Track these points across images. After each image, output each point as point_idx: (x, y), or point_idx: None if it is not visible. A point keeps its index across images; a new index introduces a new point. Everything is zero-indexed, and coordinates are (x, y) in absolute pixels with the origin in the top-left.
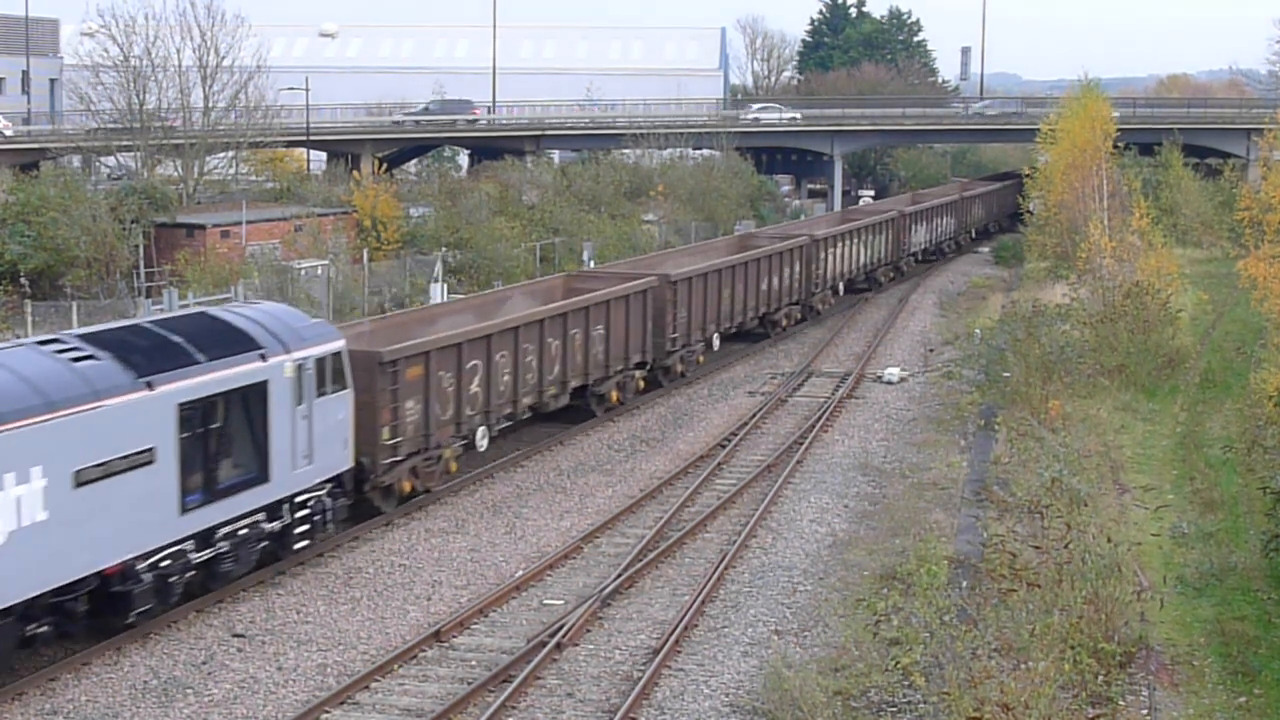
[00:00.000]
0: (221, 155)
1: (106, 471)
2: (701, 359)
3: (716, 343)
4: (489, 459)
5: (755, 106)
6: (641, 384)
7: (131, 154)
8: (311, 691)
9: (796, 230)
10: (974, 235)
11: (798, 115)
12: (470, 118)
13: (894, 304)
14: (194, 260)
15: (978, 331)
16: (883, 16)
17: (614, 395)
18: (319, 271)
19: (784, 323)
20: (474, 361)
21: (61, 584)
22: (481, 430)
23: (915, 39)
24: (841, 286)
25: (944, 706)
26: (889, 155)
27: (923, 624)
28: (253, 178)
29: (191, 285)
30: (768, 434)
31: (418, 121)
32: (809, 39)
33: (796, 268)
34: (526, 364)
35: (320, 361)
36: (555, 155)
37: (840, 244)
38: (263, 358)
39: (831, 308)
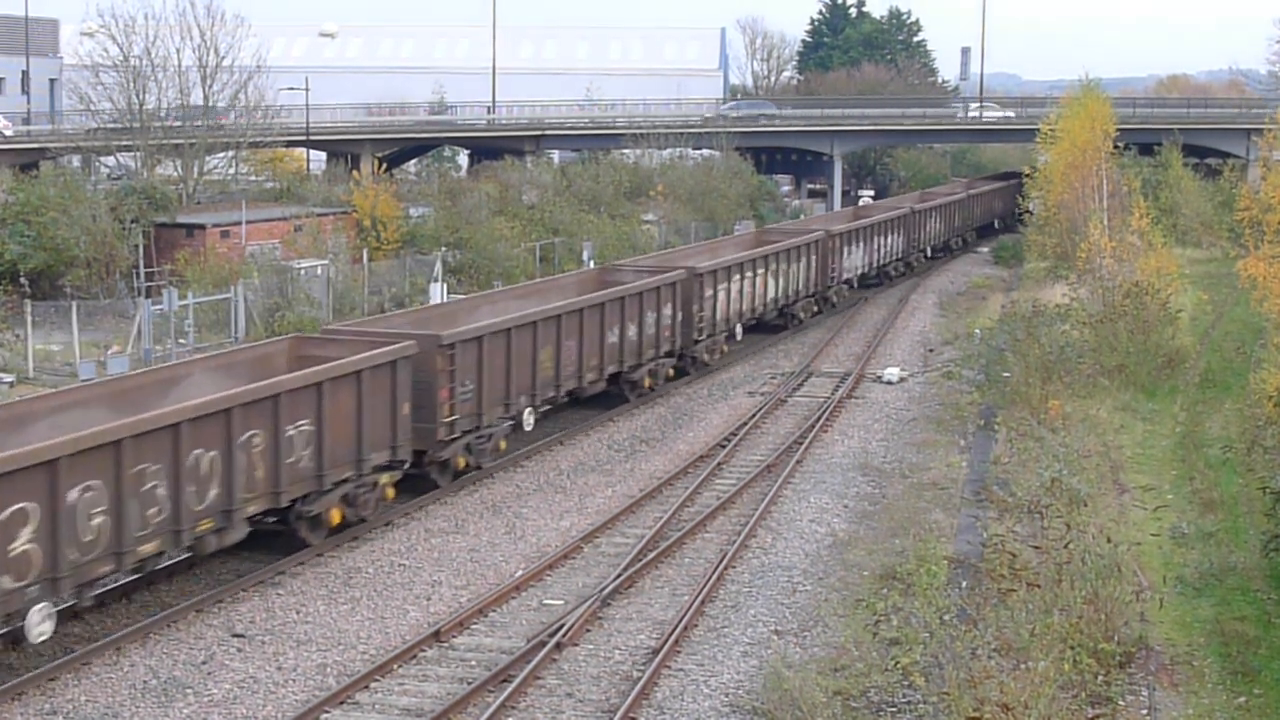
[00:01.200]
0: (221, 155)
1: None
2: (725, 349)
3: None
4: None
5: (974, 105)
6: (671, 372)
7: (131, 154)
8: (311, 691)
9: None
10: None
11: (1011, 114)
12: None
13: (894, 304)
14: (194, 260)
15: (977, 331)
16: (882, 17)
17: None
18: (319, 271)
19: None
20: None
21: None
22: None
23: (915, 39)
24: (855, 281)
25: (944, 706)
26: (889, 155)
27: (922, 624)
28: (252, 178)
29: (191, 285)
30: (767, 434)
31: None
32: (809, 39)
33: (814, 262)
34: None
35: None
36: (555, 155)
37: (856, 239)
38: None
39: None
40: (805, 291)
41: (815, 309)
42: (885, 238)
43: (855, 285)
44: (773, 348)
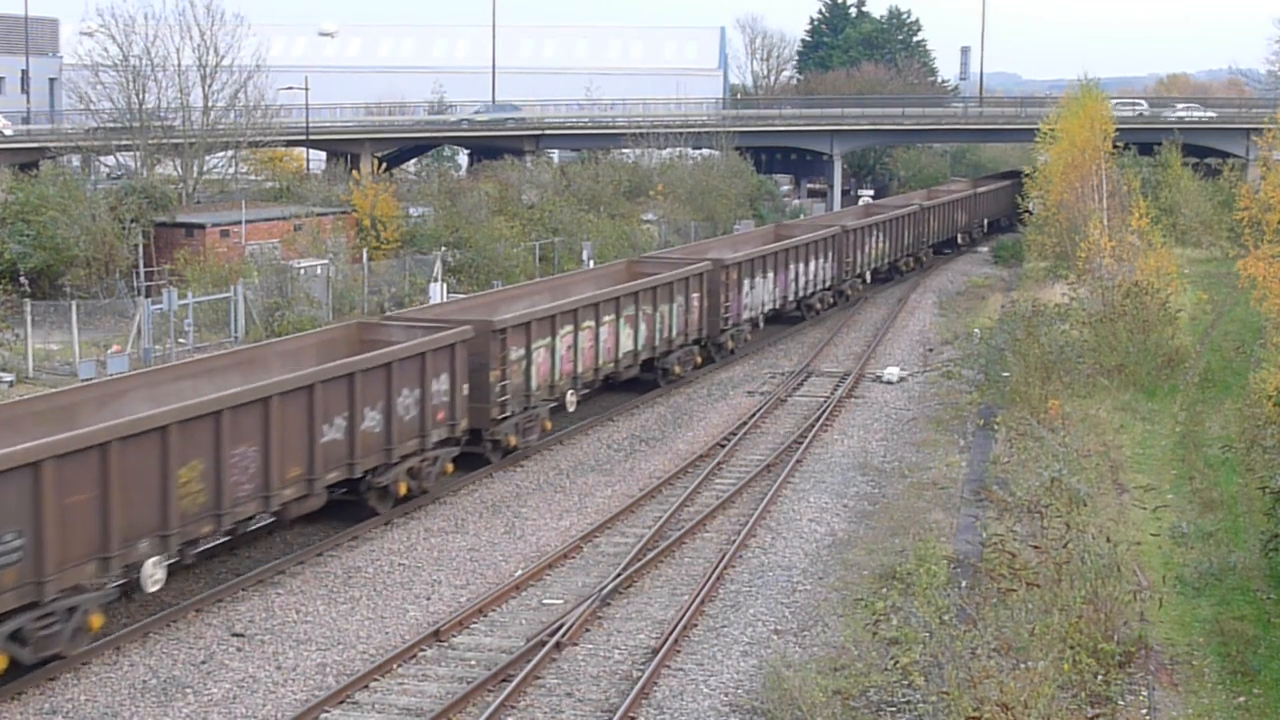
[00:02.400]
0: (221, 155)
1: None
2: (749, 337)
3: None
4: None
5: (1180, 106)
6: (699, 360)
7: (131, 153)
8: (311, 691)
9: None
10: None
11: (1214, 114)
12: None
13: (893, 303)
14: (193, 260)
15: (977, 331)
16: (882, 16)
17: (676, 369)
18: (318, 271)
19: (818, 306)
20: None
21: None
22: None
23: (915, 39)
24: (869, 275)
25: (943, 706)
26: (888, 155)
27: (922, 623)
28: (252, 177)
29: (191, 285)
30: (767, 433)
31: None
32: (808, 38)
33: (830, 256)
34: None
35: None
36: (555, 155)
37: (869, 235)
38: None
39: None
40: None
41: (831, 301)
42: (808, 263)
43: (868, 279)
44: (772, 348)
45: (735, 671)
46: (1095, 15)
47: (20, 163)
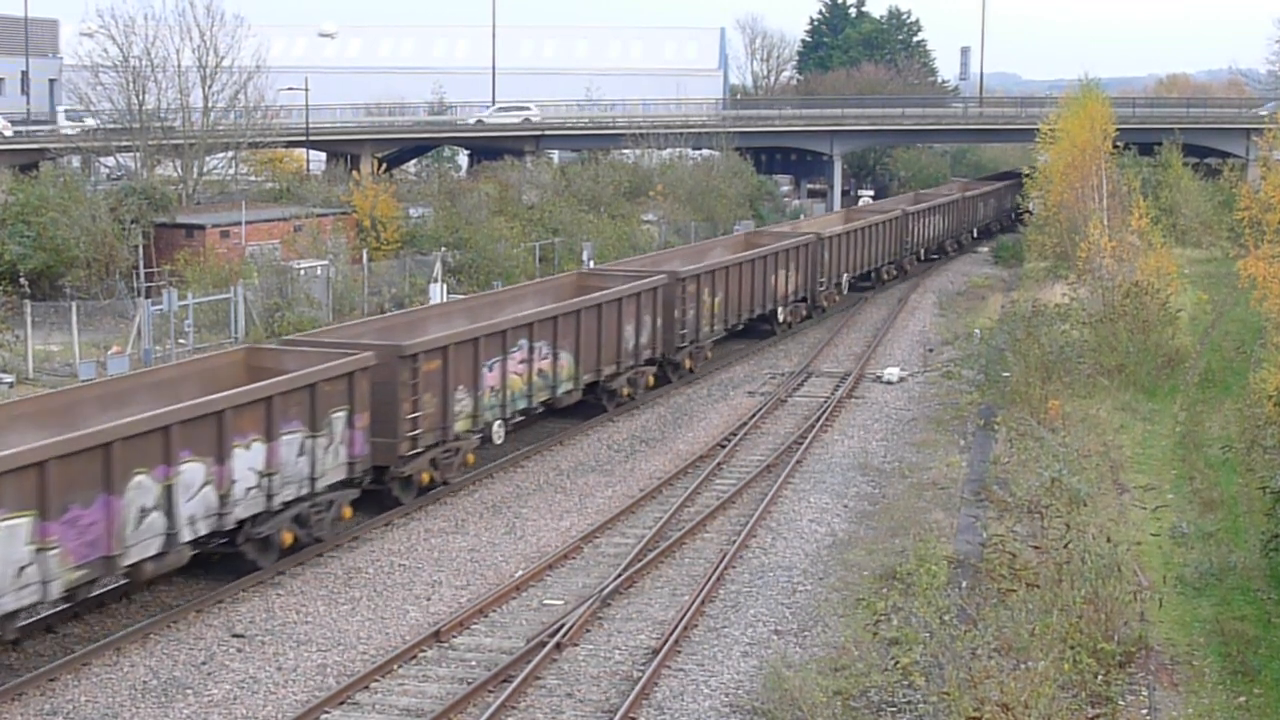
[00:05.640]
0: (221, 155)
1: None
2: (709, 355)
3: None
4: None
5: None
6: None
7: (131, 154)
8: (311, 692)
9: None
10: (976, 235)
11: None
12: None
13: (894, 303)
14: (193, 260)
15: (977, 331)
16: (882, 16)
17: (625, 391)
18: (318, 272)
19: (789, 319)
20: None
21: None
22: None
23: (915, 39)
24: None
25: (944, 706)
26: (888, 155)
27: (922, 624)
28: (252, 178)
29: (191, 285)
30: (767, 434)
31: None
32: (808, 39)
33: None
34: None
35: None
36: (555, 155)
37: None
38: None
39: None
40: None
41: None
42: (778, 274)
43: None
44: (773, 348)
45: (736, 672)
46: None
47: (20, 164)
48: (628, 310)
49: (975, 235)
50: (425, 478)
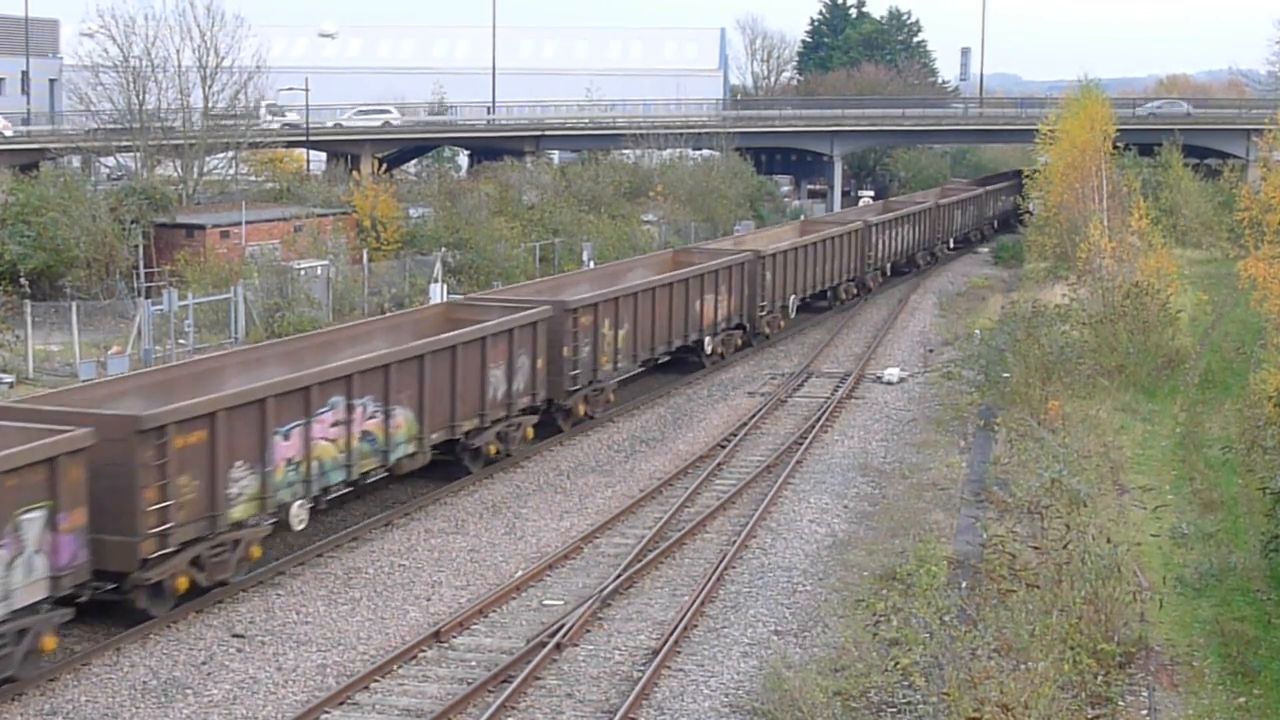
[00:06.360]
0: (221, 155)
1: None
2: (612, 398)
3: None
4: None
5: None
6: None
7: (131, 154)
8: (311, 692)
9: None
10: (952, 245)
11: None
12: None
13: (894, 304)
14: (194, 260)
15: (977, 332)
16: (882, 17)
17: (492, 449)
18: (319, 272)
19: (719, 350)
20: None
21: None
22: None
23: (915, 39)
24: (794, 307)
25: (944, 707)
26: (888, 155)
27: (922, 624)
28: (252, 178)
29: (191, 285)
30: (767, 434)
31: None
32: (809, 39)
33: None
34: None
35: None
36: (555, 155)
37: (796, 259)
38: None
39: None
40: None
41: (855, 291)
42: (705, 298)
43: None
44: (773, 348)
45: (735, 672)
46: (1095, 16)
47: (20, 164)
48: (495, 350)
49: (952, 246)
50: (182, 583)
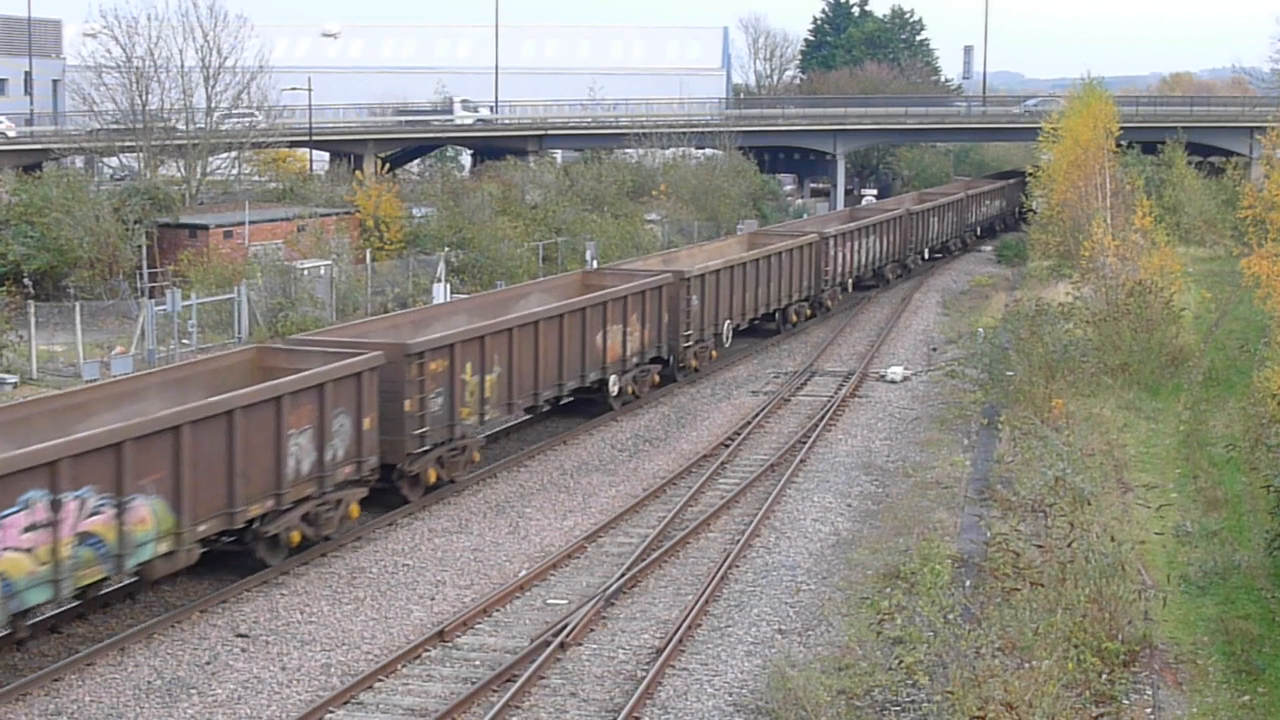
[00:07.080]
0: (224, 156)
1: None
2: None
3: (850, 286)
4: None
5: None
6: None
7: (134, 154)
8: (315, 691)
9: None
10: (928, 255)
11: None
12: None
13: (897, 302)
14: (197, 261)
15: (981, 330)
16: (885, 15)
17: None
18: (322, 272)
19: (629, 389)
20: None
21: None
22: (728, 325)
23: (918, 38)
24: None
25: (948, 706)
26: (891, 154)
27: (926, 623)
28: (256, 178)
29: (194, 286)
30: (771, 433)
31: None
32: (811, 38)
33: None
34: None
35: None
36: (558, 155)
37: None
38: None
39: (920, 265)
40: (892, 258)
41: (899, 272)
42: (617, 326)
43: (926, 255)
44: (775, 347)
45: (739, 671)
46: (1098, 14)
47: (24, 164)
48: (298, 412)
49: (926, 256)
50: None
